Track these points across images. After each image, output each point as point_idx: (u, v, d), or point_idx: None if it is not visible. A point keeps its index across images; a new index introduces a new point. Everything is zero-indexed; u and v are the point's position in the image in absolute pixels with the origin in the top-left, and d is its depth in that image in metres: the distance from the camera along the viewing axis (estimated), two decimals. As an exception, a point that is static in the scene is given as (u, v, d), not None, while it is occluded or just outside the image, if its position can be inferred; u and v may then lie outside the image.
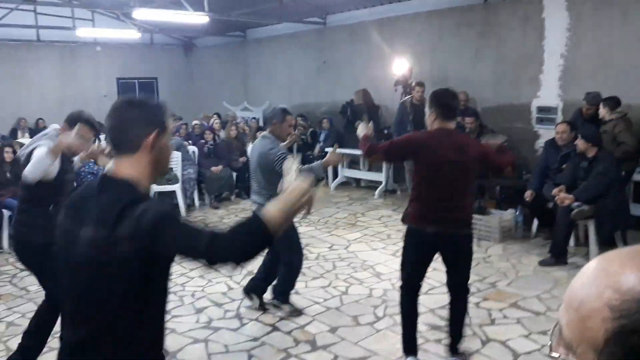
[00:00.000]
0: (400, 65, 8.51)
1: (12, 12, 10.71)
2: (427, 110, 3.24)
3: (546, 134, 7.22)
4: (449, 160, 3.11)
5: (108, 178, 1.56)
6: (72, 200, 1.66)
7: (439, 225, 3.19)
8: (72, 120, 3.42)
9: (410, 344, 3.46)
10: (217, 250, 1.46)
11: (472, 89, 8.16)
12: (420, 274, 3.44)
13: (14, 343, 3.95)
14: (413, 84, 8.00)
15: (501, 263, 5.38)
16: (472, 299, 4.40)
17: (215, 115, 11.01)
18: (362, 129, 3.46)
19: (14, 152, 6.79)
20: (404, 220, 3.42)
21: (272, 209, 1.51)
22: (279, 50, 12.22)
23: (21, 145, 8.34)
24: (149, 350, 1.61)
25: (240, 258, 1.50)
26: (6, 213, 6.32)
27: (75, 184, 3.80)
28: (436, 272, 5.04)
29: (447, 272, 3.47)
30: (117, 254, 1.43)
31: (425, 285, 4.76)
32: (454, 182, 3.16)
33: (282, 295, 4.29)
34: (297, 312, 4.27)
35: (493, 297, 4.55)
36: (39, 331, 3.47)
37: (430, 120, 3.23)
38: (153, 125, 1.56)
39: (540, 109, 7.63)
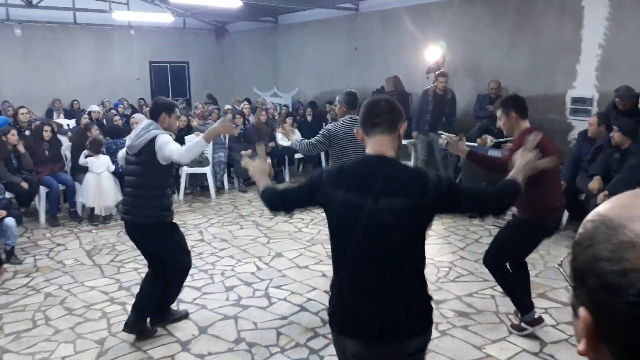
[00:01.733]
0: (433, 53, 8.43)
1: (50, -6, 10.95)
2: (499, 113, 3.58)
3: (580, 125, 7.08)
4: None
5: (383, 157, 1.93)
6: (349, 177, 1.95)
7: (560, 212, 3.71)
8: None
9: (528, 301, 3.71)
10: (496, 207, 2.11)
11: (505, 79, 8.04)
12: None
13: (53, 312, 4.13)
14: (437, 73, 7.91)
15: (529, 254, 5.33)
16: (500, 288, 4.40)
17: (245, 101, 11.10)
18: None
19: (53, 131, 6.99)
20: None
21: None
22: (309, 36, 12.21)
23: (59, 125, 8.58)
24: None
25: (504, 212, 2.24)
26: (43, 190, 6.53)
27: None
28: (464, 261, 5.07)
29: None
30: (423, 215, 1.89)
31: (452, 273, 4.80)
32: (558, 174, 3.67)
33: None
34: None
35: (521, 287, 4.52)
36: (163, 296, 3.79)
37: (512, 122, 3.53)
38: (403, 117, 2.02)
39: (575, 100, 7.48)
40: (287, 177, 9.08)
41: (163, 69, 14.78)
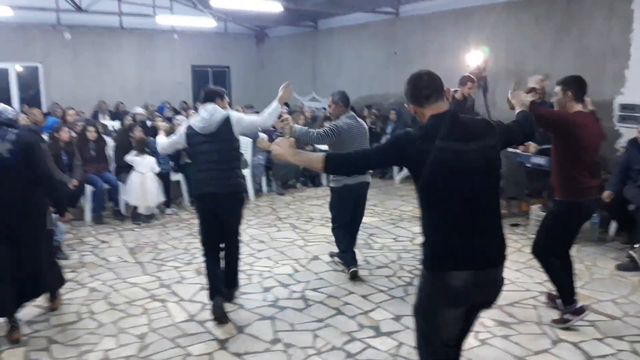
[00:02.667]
0: (474, 57, 8.30)
1: (98, 0, 11.31)
2: (558, 89, 3.68)
3: (628, 133, 6.83)
4: (595, 141, 3.66)
5: (455, 113, 2.25)
6: (437, 131, 2.17)
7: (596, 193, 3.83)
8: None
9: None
10: (529, 132, 2.66)
11: (549, 83, 7.83)
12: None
13: (97, 307, 4.26)
14: (463, 76, 7.69)
15: (575, 265, 5.16)
16: (543, 299, 4.30)
17: (284, 105, 11.18)
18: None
19: (97, 131, 7.21)
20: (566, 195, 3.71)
21: None
22: (349, 40, 12.23)
23: (104, 125, 8.85)
24: None
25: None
26: (89, 188, 6.73)
27: None
28: (505, 270, 4.94)
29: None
30: (498, 152, 2.27)
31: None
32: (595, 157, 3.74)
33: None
34: None
35: (565, 297, 4.39)
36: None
37: (566, 100, 3.66)
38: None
39: (624, 107, 7.22)
40: (324, 181, 9.09)
41: (204, 72, 15.06)
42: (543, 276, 4.76)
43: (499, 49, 8.61)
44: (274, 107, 4.16)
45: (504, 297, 4.28)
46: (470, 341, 3.65)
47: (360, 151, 2.39)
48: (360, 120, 4.88)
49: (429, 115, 2.24)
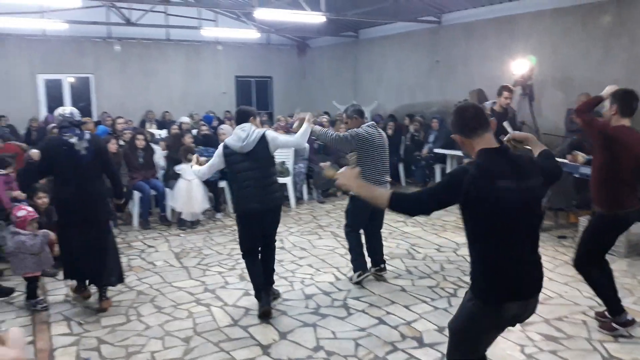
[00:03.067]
0: (519, 65, 8.15)
1: (146, 13, 11.71)
2: (607, 104, 3.78)
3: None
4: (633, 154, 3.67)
5: (499, 149, 2.34)
6: (495, 168, 2.28)
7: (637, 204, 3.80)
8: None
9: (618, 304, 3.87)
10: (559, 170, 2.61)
11: (598, 91, 7.55)
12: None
13: (144, 309, 4.38)
14: (502, 86, 7.50)
15: (626, 279, 4.97)
16: (593, 314, 4.16)
17: (324, 114, 11.26)
18: None
19: (146, 140, 7.44)
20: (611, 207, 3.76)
21: None
22: (390, 49, 12.22)
23: (151, 134, 9.13)
24: None
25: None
26: (137, 194, 6.95)
27: None
28: (552, 283, 4.82)
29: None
30: (540, 193, 2.42)
31: (540, 295, 4.56)
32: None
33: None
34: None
35: (616, 312, 4.23)
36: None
37: (610, 114, 3.74)
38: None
39: (680, 115, 6.93)
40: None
41: (248, 83, 15.33)
42: (592, 290, 4.62)
43: (545, 57, 8.43)
44: (305, 128, 4.38)
45: (551, 311, 4.21)
46: (516, 355, 3.57)
47: (425, 192, 2.39)
48: (381, 130, 4.94)
49: (478, 148, 2.33)
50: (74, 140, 4.20)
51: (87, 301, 4.59)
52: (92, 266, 4.37)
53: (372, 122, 4.90)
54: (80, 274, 4.51)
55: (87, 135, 4.31)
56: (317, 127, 4.76)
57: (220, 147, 4.24)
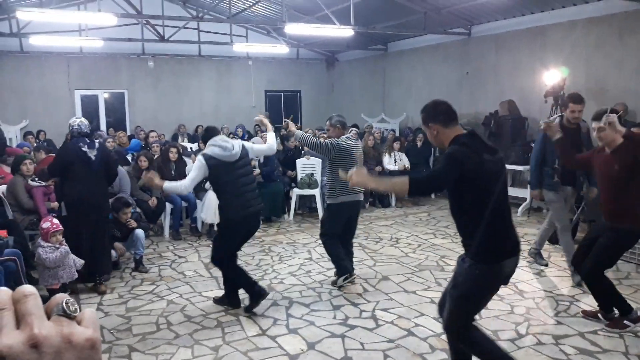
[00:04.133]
0: (551, 76, 8.03)
1: (179, 30, 12.02)
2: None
3: None
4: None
5: (474, 132, 2.89)
6: (479, 146, 2.75)
7: None
8: None
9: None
10: None
11: (633, 102, 7.45)
12: None
13: (174, 318, 4.44)
14: (565, 95, 7.40)
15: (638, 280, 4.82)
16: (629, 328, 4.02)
17: (352, 127, 11.27)
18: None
19: (179, 152, 7.59)
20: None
21: None
22: (419, 62, 12.20)
23: (183, 147, 9.31)
24: None
25: None
26: (168, 206, 7.08)
27: None
28: (587, 296, 4.68)
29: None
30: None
31: (574, 307, 4.47)
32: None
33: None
34: None
35: (655, 327, 4.09)
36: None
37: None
38: None
39: None
40: (393, 202, 9.04)
41: (277, 97, 15.51)
42: (634, 304, 4.48)
43: (578, 67, 8.29)
44: (271, 136, 4.85)
45: (586, 324, 4.09)
46: (549, 369, 3.47)
47: (436, 171, 2.78)
48: (358, 140, 5.28)
49: (453, 135, 2.78)
50: (85, 148, 4.96)
51: (117, 311, 4.68)
52: (100, 258, 5.09)
53: (351, 134, 5.09)
54: (93, 270, 5.06)
55: (97, 144, 5.10)
56: (299, 132, 5.06)
57: (202, 159, 4.30)
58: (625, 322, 4.01)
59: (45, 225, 4.65)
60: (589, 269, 4.02)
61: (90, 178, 4.97)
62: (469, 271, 2.74)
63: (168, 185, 4.43)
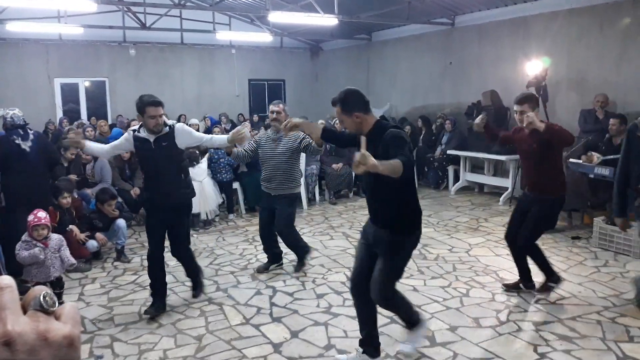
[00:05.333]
0: (533, 66, 8.09)
1: (161, 18, 11.83)
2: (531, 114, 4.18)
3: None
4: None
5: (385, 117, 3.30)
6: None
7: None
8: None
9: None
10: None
11: (613, 92, 7.55)
12: None
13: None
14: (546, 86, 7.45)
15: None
16: (607, 314, 4.12)
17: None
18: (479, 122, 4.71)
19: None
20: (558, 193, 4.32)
21: None
22: (403, 51, 12.20)
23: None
24: None
25: None
26: (151, 196, 7.02)
27: None
28: (566, 283, 4.77)
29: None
30: None
31: (553, 295, 4.54)
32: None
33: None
34: None
35: (631, 313, 4.18)
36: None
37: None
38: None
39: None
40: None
41: (261, 86, 15.41)
42: (606, 290, 4.58)
43: (559, 58, 8.36)
44: (223, 140, 4.42)
45: (565, 311, 4.18)
46: (529, 354, 3.54)
47: (407, 155, 2.86)
48: None
49: (373, 121, 3.08)
50: (18, 140, 5.01)
51: (98, 301, 4.64)
52: None
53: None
54: None
55: (31, 136, 5.13)
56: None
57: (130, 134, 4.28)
58: (549, 284, 4.52)
59: (29, 217, 4.37)
60: (527, 239, 4.35)
61: (27, 170, 5.00)
62: (400, 244, 3.14)
63: (89, 145, 4.35)
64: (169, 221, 4.29)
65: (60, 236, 4.60)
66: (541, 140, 4.14)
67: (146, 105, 4.04)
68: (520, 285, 4.60)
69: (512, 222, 4.52)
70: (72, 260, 4.57)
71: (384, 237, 3.14)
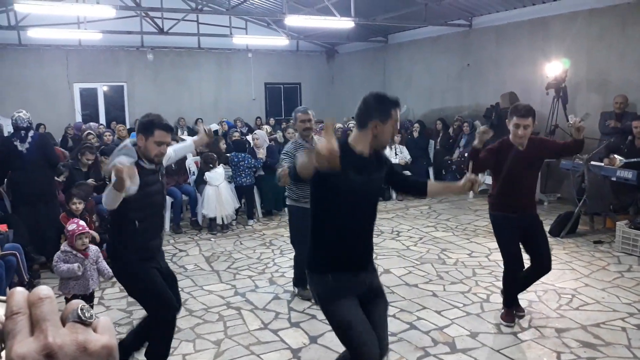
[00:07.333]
0: (553, 68, 7.98)
1: (179, 22, 11.94)
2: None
3: None
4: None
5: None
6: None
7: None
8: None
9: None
10: None
11: (636, 93, 7.42)
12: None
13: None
14: (566, 88, 7.36)
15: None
16: (632, 321, 4.04)
17: (352, 119, 11.24)
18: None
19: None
20: None
21: None
22: (419, 54, 12.14)
23: (183, 140, 9.28)
24: None
25: None
26: (169, 199, 7.05)
27: None
28: (589, 289, 4.68)
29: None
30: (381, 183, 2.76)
31: (576, 301, 4.46)
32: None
33: None
34: None
35: (658, 320, 4.08)
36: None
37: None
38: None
39: None
40: (393, 195, 9.03)
41: (277, 89, 15.45)
42: (631, 296, 4.49)
43: (579, 59, 8.24)
44: (188, 143, 3.82)
45: (588, 318, 4.09)
46: (552, 362, 3.47)
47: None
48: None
49: (389, 130, 2.48)
50: (16, 142, 5.43)
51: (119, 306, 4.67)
52: (42, 242, 5.39)
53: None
54: (41, 248, 5.37)
55: (29, 138, 5.48)
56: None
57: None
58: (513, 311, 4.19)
59: (70, 227, 4.08)
60: (549, 258, 4.01)
61: (24, 169, 5.43)
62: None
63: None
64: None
65: (97, 247, 4.36)
66: (540, 155, 3.95)
67: (157, 127, 3.04)
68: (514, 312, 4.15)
69: (519, 254, 4.01)
70: (111, 272, 3.92)
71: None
